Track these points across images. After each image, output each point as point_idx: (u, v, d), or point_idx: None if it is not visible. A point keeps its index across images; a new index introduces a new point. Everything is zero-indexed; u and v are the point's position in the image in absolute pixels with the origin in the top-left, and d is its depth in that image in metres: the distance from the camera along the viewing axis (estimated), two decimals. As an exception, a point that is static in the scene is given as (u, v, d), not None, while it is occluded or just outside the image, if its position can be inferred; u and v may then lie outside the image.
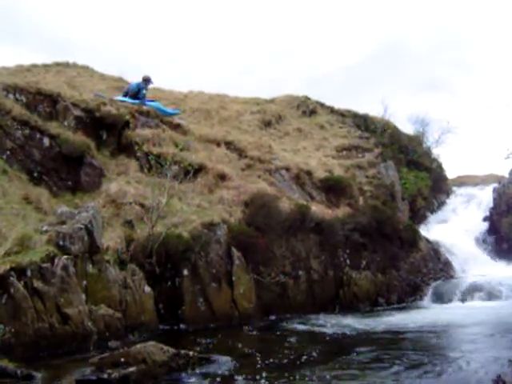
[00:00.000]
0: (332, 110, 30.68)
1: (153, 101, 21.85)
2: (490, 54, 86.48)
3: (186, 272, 15.26)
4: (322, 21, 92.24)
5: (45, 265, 11.86)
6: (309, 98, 31.10)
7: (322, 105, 30.98)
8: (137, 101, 20.86)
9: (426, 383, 7.71)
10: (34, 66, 26.71)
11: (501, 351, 9.62)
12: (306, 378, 8.38)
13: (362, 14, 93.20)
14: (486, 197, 28.82)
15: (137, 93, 21.03)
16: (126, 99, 20.86)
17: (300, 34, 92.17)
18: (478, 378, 7.46)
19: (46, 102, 18.73)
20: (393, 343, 11.76)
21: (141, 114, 20.23)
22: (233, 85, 60.44)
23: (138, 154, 18.07)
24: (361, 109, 31.27)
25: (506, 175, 30.41)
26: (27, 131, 17.02)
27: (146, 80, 21.39)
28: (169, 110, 22.42)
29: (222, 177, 19.07)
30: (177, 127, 21.19)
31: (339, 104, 31.16)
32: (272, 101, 30.46)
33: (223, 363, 9.92)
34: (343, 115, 30.28)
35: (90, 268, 13.02)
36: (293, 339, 12.52)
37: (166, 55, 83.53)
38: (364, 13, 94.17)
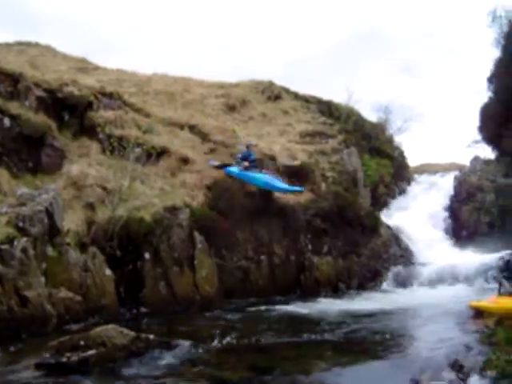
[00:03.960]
0: (296, 96, 30.68)
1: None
2: (465, 41, 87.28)
3: (147, 255, 15.20)
4: (300, 5, 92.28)
5: (4, 246, 11.71)
6: (273, 83, 31.03)
7: (287, 90, 30.96)
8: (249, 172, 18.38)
9: (384, 367, 7.83)
10: (-5, 44, 26.23)
11: (457, 336, 9.82)
12: (266, 361, 8.44)
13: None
14: (446, 185, 29.23)
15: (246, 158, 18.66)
16: (234, 170, 18.55)
17: (278, 17, 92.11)
18: (436, 361, 7.60)
19: (7, 82, 18.34)
20: (351, 326, 11.87)
21: (104, 96, 20.00)
22: (207, 67, 59.79)
23: (101, 136, 17.94)
24: (334, 93, 31.48)
25: (468, 164, 30.93)
26: (-13, 111, 16.70)
27: (249, 146, 19.32)
28: (288, 186, 18.79)
29: (185, 160, 18.98)
30: (140, 110, 21.02)
31: (312, 89, 31.26)
32: (237, 85, 30.32)
33: (183, 347, 9.92)
34: (307, 101, 30.31)
35: (49, 251, 12.89)
36: (254, 323, 12.58)
37: (135, 35, 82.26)
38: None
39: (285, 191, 18.71)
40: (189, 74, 30.11)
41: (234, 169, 18.58)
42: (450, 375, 6.98)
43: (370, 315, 13.33)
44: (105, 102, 19.88)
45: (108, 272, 14.06)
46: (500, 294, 12.29)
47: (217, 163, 19.08)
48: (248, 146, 19.25)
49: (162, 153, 18.46)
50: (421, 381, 6.78)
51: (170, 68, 50.57)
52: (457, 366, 7.22)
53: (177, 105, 23.49)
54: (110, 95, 20.32)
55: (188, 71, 42.80)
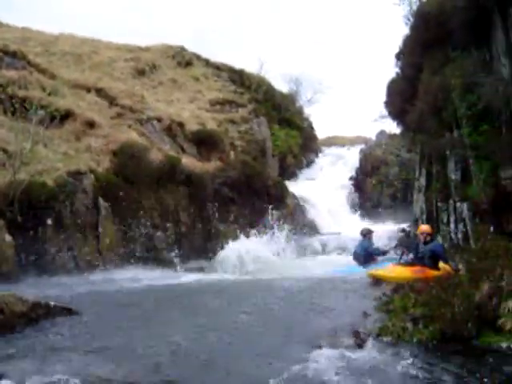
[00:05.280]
0: (208, 63, 30.54)
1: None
2: (380, 16, 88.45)
3: (49, 221, 14.81)
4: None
5: None
6: (185, 49, 30.75)
7: (198, 57, 30.76)
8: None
9: (282, 336, 7.96)
10: None
11: (355, 303, 10.08)
12: (170, 331, 8.43)
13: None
14: (352, 157, 30.03)
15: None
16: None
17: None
18: (334, 328, 7.80)
19: None
20: (248, 297, 11.93)
21: (6, 55, 19.21)
22: (117, 30, 58.36)
23: (2, 97, 17.26)
24: (245, 64, 31.49)
25: (373, 137, 31.87)
26: None
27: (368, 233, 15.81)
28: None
29: (91, 124, 18.54)
30: (45, 71, 20.33)
31: (223, 57, 31.09)
32: (147, 49, 29.84)
33: (86, 314, 9.76)
34: (219, 68, 30.23)
35: None
36: (160, 290, 12.52)
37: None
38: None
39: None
40: (97, 35, 29.42)
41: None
42: (348, 341, 7.18)
43: (269, 285, 13.41)
44: (7, 61, 19.12)
45: (8, 238, 13.61)
46: (398, 263, 12.72)
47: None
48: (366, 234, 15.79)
49: (66, 116, 17.97)
50: (319, 347, 6.93)
51: (77, 28, 49.13)
52: (354, 333, 7.43)
53: (84, 67, 22.88)
54: (14, 54, 19.56)
55: (97, 33, 41.76)
